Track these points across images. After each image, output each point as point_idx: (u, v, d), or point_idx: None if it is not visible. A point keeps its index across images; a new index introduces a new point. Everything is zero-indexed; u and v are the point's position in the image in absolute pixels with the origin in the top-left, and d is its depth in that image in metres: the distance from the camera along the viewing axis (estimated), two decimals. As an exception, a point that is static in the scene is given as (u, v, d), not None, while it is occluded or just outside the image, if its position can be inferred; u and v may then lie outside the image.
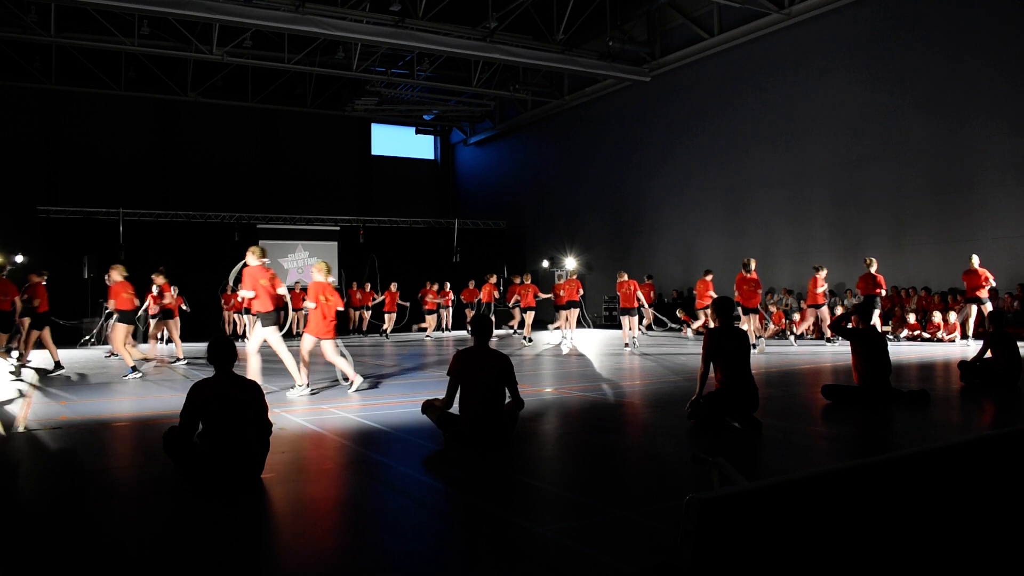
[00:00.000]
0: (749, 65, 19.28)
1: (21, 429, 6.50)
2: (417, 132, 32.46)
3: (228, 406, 4.53)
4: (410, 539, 3.62)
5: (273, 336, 8.31)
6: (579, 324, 17.58)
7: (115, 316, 11.12)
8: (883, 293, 13.26)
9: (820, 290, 13.87)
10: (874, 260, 13.34)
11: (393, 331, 20.90)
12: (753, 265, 13.63)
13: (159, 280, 12.92)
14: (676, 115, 21.53)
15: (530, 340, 16.96)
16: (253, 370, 8.14)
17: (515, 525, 3.65)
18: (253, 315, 8.53)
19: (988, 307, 12.67)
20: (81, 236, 20.22)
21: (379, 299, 21.00)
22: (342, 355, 8.67)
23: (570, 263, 24.08)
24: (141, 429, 6.63)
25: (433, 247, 24.85)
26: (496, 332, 19.43)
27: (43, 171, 24.97)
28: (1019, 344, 8.17)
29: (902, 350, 12.75)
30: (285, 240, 23.29)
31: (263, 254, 8.55)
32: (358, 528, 3.85)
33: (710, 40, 19.82)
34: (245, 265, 8.48)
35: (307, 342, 8.55)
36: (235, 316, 19.87)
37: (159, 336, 13.78)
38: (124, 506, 4.28)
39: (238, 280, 8.62)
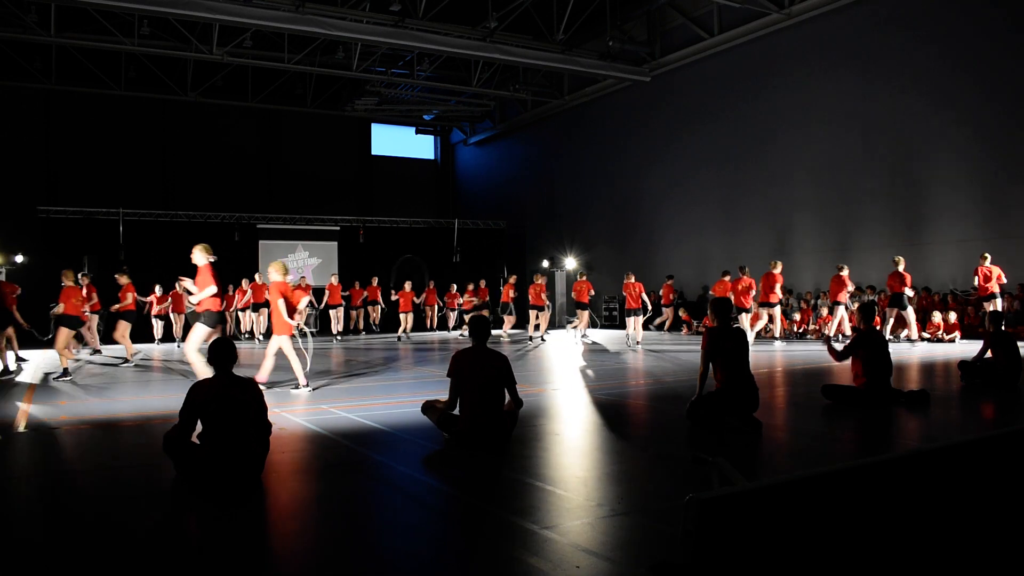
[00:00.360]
0: (749, 65, 19.28)
1: (21, 429, 6.50)
2: (417, 132, 32.45)
3: (228, 406, 4.53)
4: (410, 539, 3.62)
5: (202, 336, 8.09)
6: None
7: (58, 320, 11.24)
8: (908, 291, 13.38)
9: (851, 288, 14.22)
10: (901, 259, 13.50)
11: (411, 331, 19.99)
12: (779, 268, 14.37)
13: (122, 280, 12.78)
14: (676, 115, 21.54)
15: (530, 339, 17.20)
16: (200, 371, 8.02)
17: (515, 525, 3.65)
18: (198, 313, 8.28)
19: (998, 303, 12.84)
20: (81, 236, 20.23)
21: (394, 298, 20.34)
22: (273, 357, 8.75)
23: (570, 263, 24.09)
24: (141, 429, 6.63)
25: (433, 247, 24.85)
26: (511, 332, 19.43)
27: (43, 171, 24.96)
28: (1019, 344, 8.17)
29: (902, 350, 12.75)
30: (285, 240, 23.30)
31: (211, 251, 8.43)
32: (358, 528, 3.85)
33: (710, 40, 19.82)
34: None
35: (284, 343, 8.55)
36: (238, 314, 19.57)
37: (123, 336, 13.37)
38: (124, 506, 4.28)
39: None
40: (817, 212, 17.96)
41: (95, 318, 13.98)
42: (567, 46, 20.33)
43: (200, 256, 8.32)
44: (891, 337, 14.69)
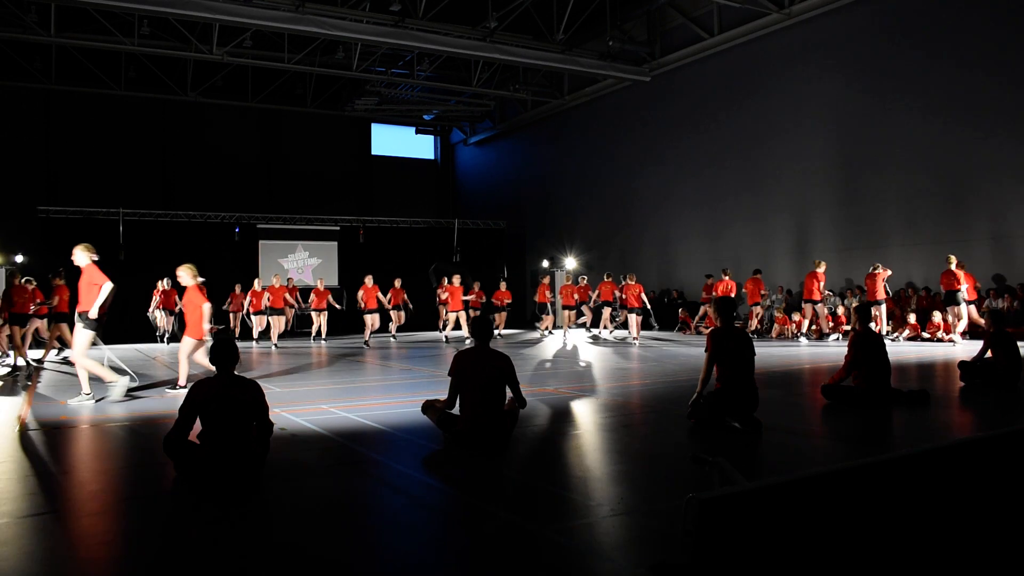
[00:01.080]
0: (749, 65, 19.28)
1: (20, 429, 6.49)
2: (417, 132, 32.45)
3: (228, 406, 4.53)
4: (410, 539, 3.62)
5: (87, 340, 7.85)
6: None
7: (9, 319, 11.88)
8: (962, 289, 13.56)
9: (883, 285, 14.48)
10: (953, 257, 13.62)
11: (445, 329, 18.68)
12: (823, 268, 15.01)
13: (57, 281, 12.84)
14: (676, 115, 21.53)
15: (545, 334, 18.05)
16: (92, 373, 7.84)
17: (515, 525, 3.65)
18: (79, 314, 7.94)
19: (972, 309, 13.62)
20: (81, 236, 19.83)
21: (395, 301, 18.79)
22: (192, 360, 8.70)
23: (570, 263, 24.12)
24: (141, 429, 6.63)
25: (433, 247, 24.83)
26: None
27: (43, 171, 24.96)
28: (1019, 344, 8.17)
29: (902, 350, 12.75)
30: (285, 240, 23.29)
31: (93, 250, 8.14)
32: (358, 528, 3.85)
33: (710, 40, 19.81)
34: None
35: (189, 345, 8.52)
36: (252, 317, 18.25)
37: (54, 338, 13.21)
38: (123, 506, 4.28)
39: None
40: (818, 211, 17.95)
41: (42, 321, 13.98)
42: (567, 46, 20.33)
43: (82, 256, 8.00)
44: (893, 337, 14.74)
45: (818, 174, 17.85)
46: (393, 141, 31.94)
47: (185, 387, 8.46)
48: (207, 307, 8.51)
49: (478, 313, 17.92)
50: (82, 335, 7.85)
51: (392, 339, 18.64)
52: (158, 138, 26.60)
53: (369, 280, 17.26)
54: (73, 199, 22.17)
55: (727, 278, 16.83)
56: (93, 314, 7.83)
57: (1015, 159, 14.41)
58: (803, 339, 15.53)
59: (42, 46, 22.01)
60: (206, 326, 8.52)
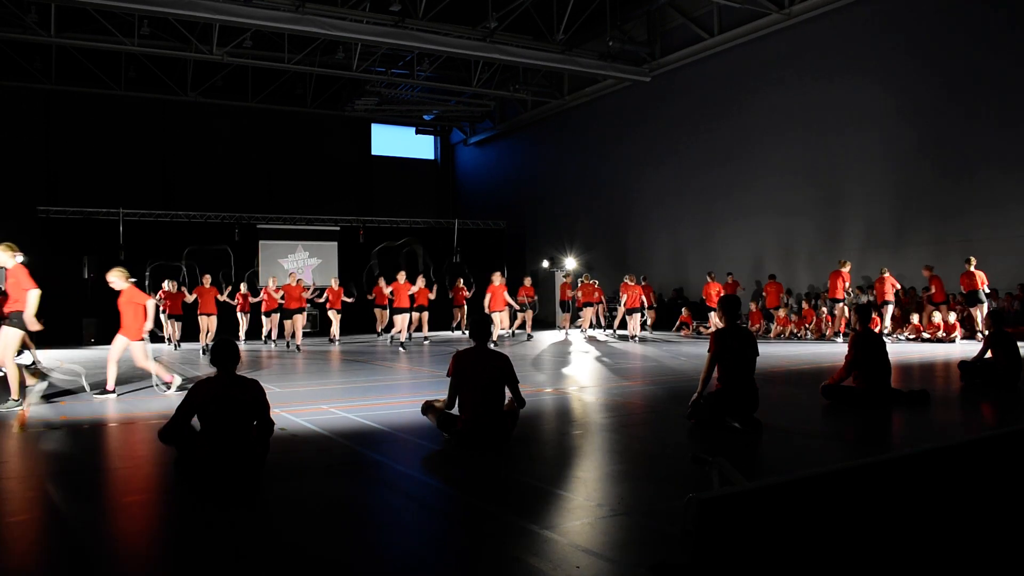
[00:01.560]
0: (749, 65, 19.28)
1: (18, 429, 6.49)
2: (417, 132, 32.45)
3: (228, 406, 4.53)
4: (410, 539, 3.62)
5: (14, 340, 7.58)
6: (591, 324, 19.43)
7: None
8: (985, 289, 13.67)
9: (891, 289, 14.60)
10: (973, 259, 13.69)
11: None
12: (848, 268, 14.90)
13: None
14: (676, 115, 21.53)
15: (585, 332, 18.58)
16: (15, 381, 7.55)
17: (515, 525, 3.66)
18: (6, 315, 7.64)
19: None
20: (81, 236, 20.19)
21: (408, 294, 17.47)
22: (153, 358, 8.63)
23: (570, 263, 24.13)
24: (141, 429, 6.63)
25: (433, 247, 24.78)
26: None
27: (43, 171, 24.94)
28: (1019, 344, 8.17)
29: (902, 350, 12.75)
30: (285, 240, 23.28)
31: (16, 249, 7.82)
32: (358, 528, 3.85)
33: (710, 40, 19.81)
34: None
35: (120, 344, 8.41)
36: (262, 318, 17.66)
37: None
38: (123, 507, 4.28)
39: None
40: (818, 211, 17.95)
41: None
42: (567, 46, 20.32)
43: (5, 258, 7.66)
44: (898, 337, 14.76)
45: (817, 173, 17.84)
46: (393, 141, 31.94)
47: (179, 383, 8.50)
48: (152, 303, 8.46)
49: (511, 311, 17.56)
50: (9, 335, 7.57)
51: (424, 340, 17.85)
52: (158, 138, 26.58)
53: (401, 277, 16.29)
54: (73, 199, 22.14)
55: (711, 280, 17.03)
56: (31, 324, 7.57)
57: (1014, 157, 14.42)
58: (838, 338, 14.85)
59: (42, 46, 22.00)
60: (149, 325, 8.42)
